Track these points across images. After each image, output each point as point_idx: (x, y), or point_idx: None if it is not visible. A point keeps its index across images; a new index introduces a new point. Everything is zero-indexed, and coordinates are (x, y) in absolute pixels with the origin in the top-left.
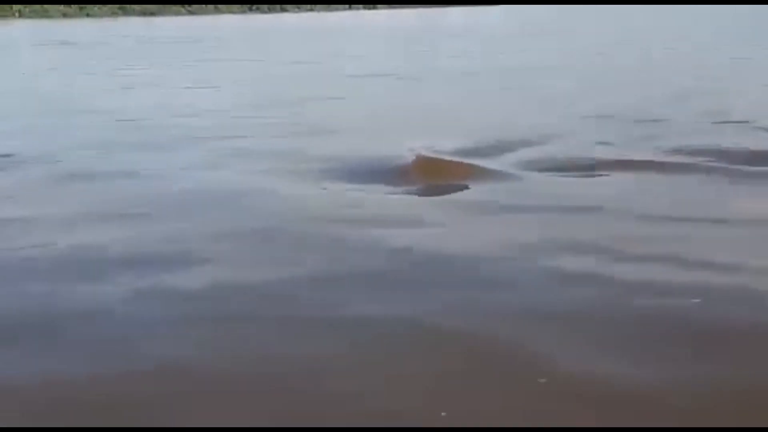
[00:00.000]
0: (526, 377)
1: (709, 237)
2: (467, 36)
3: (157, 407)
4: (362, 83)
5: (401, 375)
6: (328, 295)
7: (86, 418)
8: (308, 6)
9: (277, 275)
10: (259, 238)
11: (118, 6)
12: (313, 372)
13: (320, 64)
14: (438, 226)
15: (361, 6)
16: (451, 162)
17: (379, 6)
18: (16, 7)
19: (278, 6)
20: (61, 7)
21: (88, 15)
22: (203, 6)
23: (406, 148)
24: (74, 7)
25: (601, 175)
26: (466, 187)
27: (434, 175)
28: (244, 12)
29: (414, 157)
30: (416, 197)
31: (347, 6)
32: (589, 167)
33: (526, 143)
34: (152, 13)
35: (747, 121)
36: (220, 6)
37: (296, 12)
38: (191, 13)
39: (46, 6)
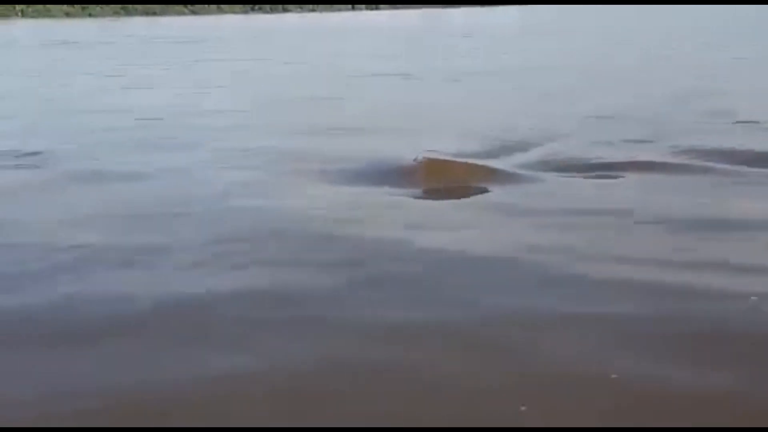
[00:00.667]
0: (588, 379)
1: (742, 239)
2: (470, 36)
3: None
4: (367, 83)
5: (470, 373)
6: (373, 298)
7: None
8: (310, 6)
9: (325, 280)
10: (285, 240)
11: (120, 6)
12: (379, 373)
13: (326, 64)
14: (467, 229)
15: (363, 6)
16: (466, 164)
17: (381, 6)
18: (18, 6)
19: (280, 6)
20: (64, 6)
21: (90, 15)
22: (205, 6)
23: (418, 149)
24: (76, 6)
25: (617, 177)
26: (486, 190)
27: (452, 178)
28: (246, 12)
29: (429, 159)
30: (439, 201)
31: (350, 6)
32: (602, 167)
33: (533, 143)
34: (154, 13)
35: (758, 122)
36: (222, 6)
37: (298, 12)
38: (194, 13)
39: (48, 5)
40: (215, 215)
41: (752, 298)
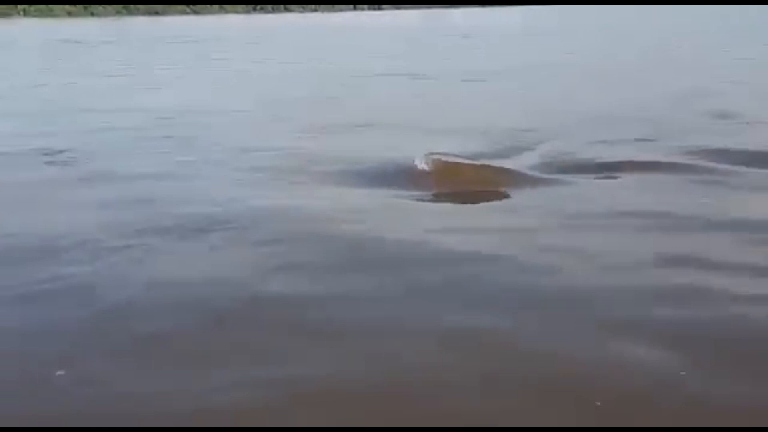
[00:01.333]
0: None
1: None
2: (473, 36)
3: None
4: (371, 83)
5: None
6: (420, 305)
7: None
8: (312, 6)
9: (361, 285)
10: (316, 244)
11: (122, 5)
12: (433, 383)
13: (335, 64)
14: (500, 234)
15: (365, 6)
16: (480, 166)
17: (384, 6)
18: (20, 6)
19: (282, 6)
20: (66, 5)
21: (92, 14)
22: (207, 6)
23: (430, 149)
24: (79, 6)
25: (633, 178)
26: (507, 196)
27: (468, 181)
28: (248, 12)
29: (444, 162)
30: (463, 205)
31: (351, 6)
32: (614, 168)
33: (540, 144)
34: (156, 13)
35: None
36: (224, 6)
37: (300, 12)
38: (196, 12)
39: (51, 5)
40: (242, 217)
41: None
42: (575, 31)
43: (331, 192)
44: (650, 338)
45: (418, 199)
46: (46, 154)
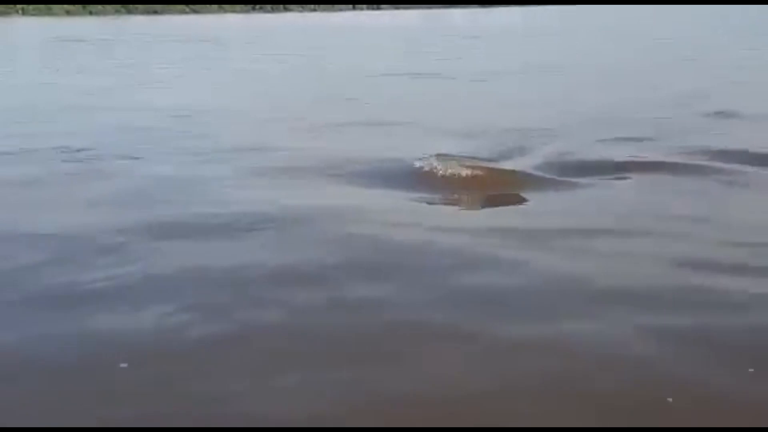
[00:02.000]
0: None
1: None
2: (472, 36)
3: None
4: (378, 82)
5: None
6: (472, 315)
7: None
8: (311, 6)
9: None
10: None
11: (121, 5)
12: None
13: (343, 63)
14: (529, 240)
15: (364, 6)
16: (494, 169)
17: (383, 6)
18: (19, 5)
19: (281, 6)
20: (65, 5)
21: (91, 13)
22: (206, 5)
23: (439, 151)
24: (77, 5)
25: (647, 179)
26: (525, 200)
27: (483, 183)
28: (247, 11)
29: (461, 164)
30: (483, 209)
31: (351, 6)
32: (624, 169)
33: (546, 144)
34: (155, 12)
35: None
36: (224, 5)
37: (299, 12)
38: (195, 11)
39: (49, 4)
40: (273, 221)
41: None
42: (575, 32)
43: (358, 194)
44: (711, 340)
45: (438, 202)
46: (67, 152)
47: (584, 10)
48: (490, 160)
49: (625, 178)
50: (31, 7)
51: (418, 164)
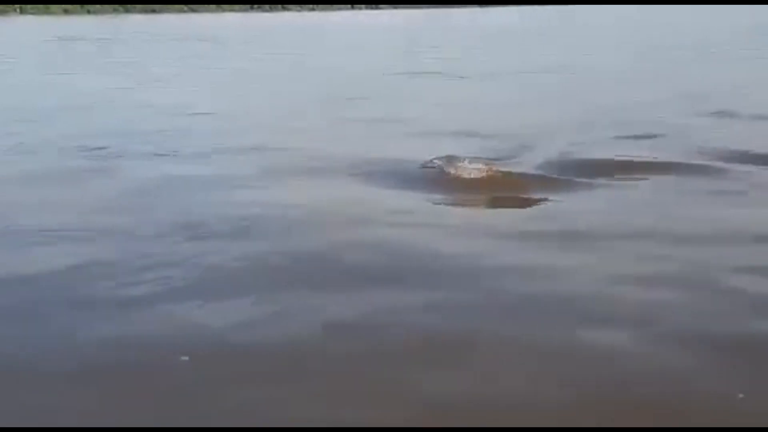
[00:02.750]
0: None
1: None
2: (473, 37)
3: None
4: (380, 82)
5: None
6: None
7: None
8: (309, 5)
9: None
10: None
11: (120, 4)
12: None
13: (352, 62)
14: (556, 243)
15: (363, 6)
16: (505, 171)
17: (381, 6)
18: (17, 4)
19: (279, 5)
20: (63, 4)
21: (89, 12)
22: (204, 4)
23: (449, 153)
24: (75, 4)
25: (656, 180)
26: (546, 200)
27: (498, 186)
28: (245, 10)
29: (477, 167)
30: (500, 209)
31: (349, 6)
32: (638, 170)
33: (554, 145)
34: (153, 11)
35: None
36: (222, 4)
37: (298, 11)
38: (193, 10)
39: (48, 4)
40: (294, 224)
41: None
42: (575, 32)
43: (375, 196)
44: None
45: (453, 203)
46: (87, 150)
47: (584, 10)
48: (500, 160)
49: (644, 179)
50: (29, 6)
51: (428, 165)
